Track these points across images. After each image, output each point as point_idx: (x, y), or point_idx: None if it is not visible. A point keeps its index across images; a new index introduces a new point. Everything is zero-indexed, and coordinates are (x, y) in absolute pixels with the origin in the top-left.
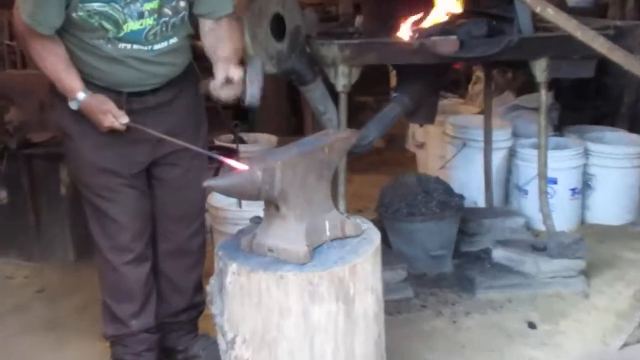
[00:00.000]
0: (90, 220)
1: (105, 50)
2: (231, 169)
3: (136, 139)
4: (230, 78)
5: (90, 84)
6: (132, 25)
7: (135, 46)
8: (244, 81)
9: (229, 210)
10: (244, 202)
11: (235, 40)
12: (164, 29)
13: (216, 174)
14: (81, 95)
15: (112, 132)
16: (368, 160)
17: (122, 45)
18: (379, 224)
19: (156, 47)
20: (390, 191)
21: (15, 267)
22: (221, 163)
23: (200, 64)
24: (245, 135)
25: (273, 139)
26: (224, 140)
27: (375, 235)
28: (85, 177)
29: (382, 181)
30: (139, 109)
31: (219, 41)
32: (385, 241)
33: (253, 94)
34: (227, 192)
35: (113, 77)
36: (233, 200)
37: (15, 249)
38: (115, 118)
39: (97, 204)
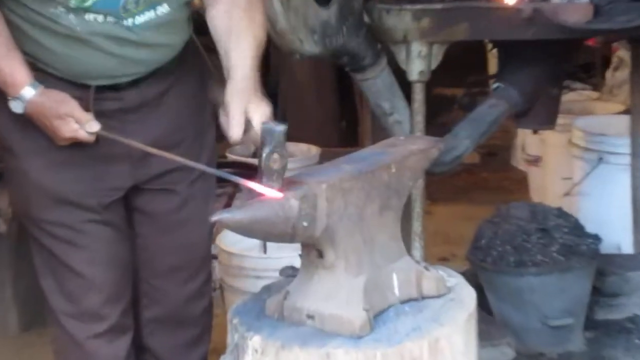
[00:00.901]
0: (41, 273)
1: (64, 24)
2: (252, 195)
3: (110, 154)
4: (247, 122)
5: (41, 74)
6: None
7: (109, 18)
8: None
9: (248, 258)
10: (270, 245)
11: (257, 21)
12: None
13: (229, 204)
14: (28, 91)
15: (75, 145)
16: (457, 184)
17: (89, 16)
18: (472, 278)
19: (139, 20)
20: (490, 229)
21: None
22: (236, 187)
23: (204, 40)
24: None
25: (313, 150)
26: (240, 152)
27: (468, 295)
28: (34, 209)
29: (476, 214)
30: (114, 111)
31: (231, 20)
32: (482, 304)
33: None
34: (246, 230)
35: (75, 65)
36: (254, 243)
37: None
38: (80, 124)
39: (53, 249)
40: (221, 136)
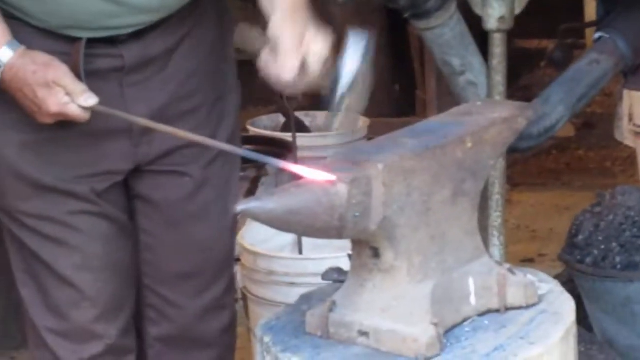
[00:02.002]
0: (21, 280)
1: None
2: (287, 178)
3: (105, 128)
4: (304, 58)
5: (19, 26)
6: None
7: None
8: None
9: (279, 259)
10: (306, 243)
11: None
12: None
13: (251, 191)
14: (5, 53)
15: (62, 122)
16: (545, 164)
17: None
18: (567, 284)
19: None
20: (589, 222)
21: None
22: (261, 169)
23: None
24: (307, 117)
25: (360, 122)
26: (265, 125)
27: (565, 306)
28: (10, 198)
29: (571, 203)
30: (109, 70)
31: None
32: (580, 317)
33: (345, 120)
34: (280, 222)
35: (61, 12)
36: (286, 241)
37: None
38: (72, 96)
39: (35, 249)
40: (243, 102)
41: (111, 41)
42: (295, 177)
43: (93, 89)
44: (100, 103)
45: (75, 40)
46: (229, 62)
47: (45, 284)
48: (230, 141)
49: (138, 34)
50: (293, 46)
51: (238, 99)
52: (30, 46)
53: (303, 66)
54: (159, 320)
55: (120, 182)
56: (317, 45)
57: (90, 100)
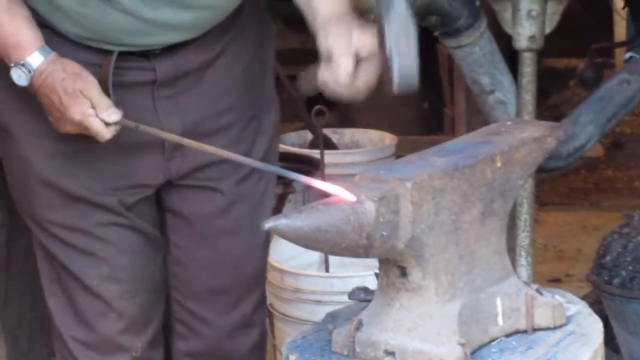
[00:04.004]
0: (48, 288)
1: None
2: (315, 195)
3: (136, 141)
4: (357, 55)
5: (52, 35)
6: None
7: None
8: (381, 49)
9: (306, 277)
10: (332, 262)
11: None
12: None
13: (278, 208)
14: (36, 57)
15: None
16: (572, 184)
17: None
18: (594, 305)
19: None
20: (618, 242)
21: None
22: (288, 186)
23: None
24: (335, 134)
25: (388, 139)
26: (294, 141)
27: (593, 327)
28: (39, 208)
29: (599, 223)
30: (141, 83)
31: None
32: (607, 338)
33: (405, 70)
34: (308, 240)
35: (92, 28)
36: (313, 258)
37: None
38: (96, 110)
39: (62, 259)
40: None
41: (144, 54)
42: (323, 195)
43: (125, 101)
44: (133, 115)
45: (107, 52)
46: (267, 78)
47: (72, 294)
48: (264, 159)
49: (172, 48)
50: (344, 46)
51: (276, 116)
52: (62, 55)
53: (357, 65)
54: (187, 335)
55: (150, 195)
56: (366, 40)
57: (114, 116)
